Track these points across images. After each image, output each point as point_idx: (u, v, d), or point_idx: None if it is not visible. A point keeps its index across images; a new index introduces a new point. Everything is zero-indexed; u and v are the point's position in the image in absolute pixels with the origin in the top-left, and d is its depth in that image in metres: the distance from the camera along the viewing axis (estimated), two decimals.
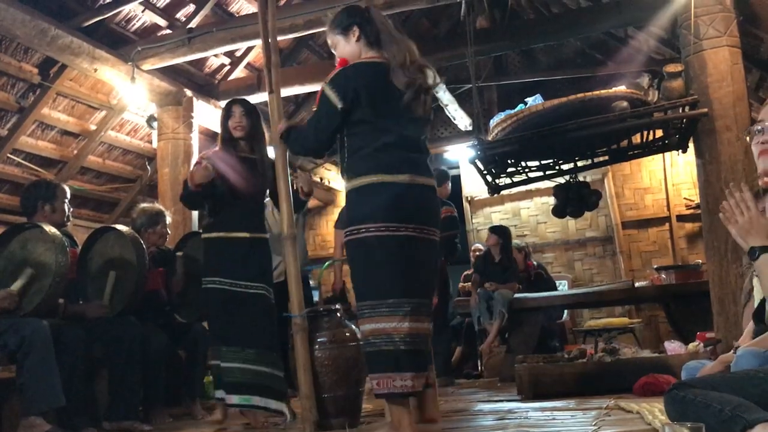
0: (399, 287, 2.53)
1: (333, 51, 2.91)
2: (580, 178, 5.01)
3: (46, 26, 4.57)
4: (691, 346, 4.07)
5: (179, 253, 4.13)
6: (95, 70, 5.13)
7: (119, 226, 4.00)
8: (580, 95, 4.17)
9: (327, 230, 8.98)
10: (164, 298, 4.11)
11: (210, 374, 5.18)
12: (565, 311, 6.84)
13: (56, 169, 5.98)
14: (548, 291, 6.20)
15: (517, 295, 5.71)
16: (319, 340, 3.06)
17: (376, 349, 2.53)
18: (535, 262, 6.83)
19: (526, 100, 4.42)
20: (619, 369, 3.98)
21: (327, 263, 4.62)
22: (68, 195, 3.82)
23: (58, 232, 3.40)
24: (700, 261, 5.77)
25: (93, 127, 6.04)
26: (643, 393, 3.57)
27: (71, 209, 3.83)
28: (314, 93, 7.42)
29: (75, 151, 6.04)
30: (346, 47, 2.82)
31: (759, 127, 1.92)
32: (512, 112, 4.35)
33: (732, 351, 2.69)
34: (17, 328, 3.05)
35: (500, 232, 6.18)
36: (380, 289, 2.54)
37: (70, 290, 3.64)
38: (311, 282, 6.51)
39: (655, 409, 2.73)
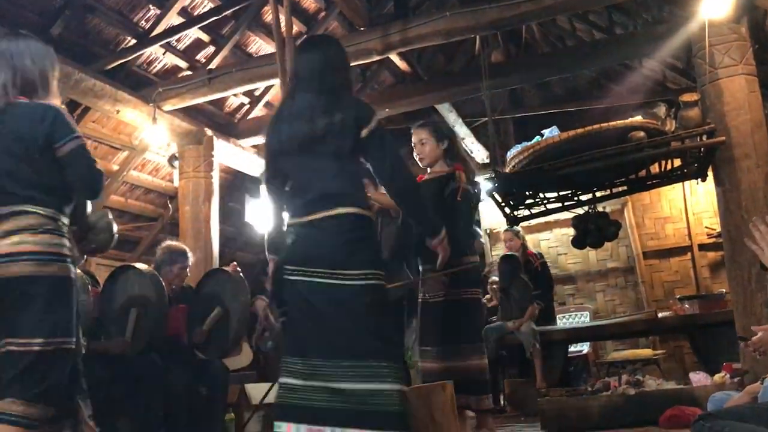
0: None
1: (419, 143, 3.65)
2: (599, 209, 5.00)
3: (70, 70, 4.68)
4: (717, 377, 4.00)
5: (217, 309, 4.01)
6: (117, 112, 5.23)
7: (138, 264, 4.04)
8: (596, 126, 4.18)
9: None
10: (184, 340, 4.12)
11: (231, 411, 5.17)
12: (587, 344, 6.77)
13: None
14: (549, 283, 6.22)
15: (540, 328, 5.66)
16: None
17: None
18: (535, 251, 6.67)
19: (542, 131, 4.44)
20: (643, 401, 3.92)
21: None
22: None
23: (78, 271, 3.43)
24: (724, 290, 5.69)
25: (115, 167, 6.14)
26: (669, 426, 3.51)
27: None
28: None
29: None
30: (434, 150, 3.62)
31: None
32: (529, 144, 4.37)
33: (759, 382, 2.65)
34: None
35: (508, 262, 6.08)
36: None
37: (92, 329, 3.68)
38: None
39: None
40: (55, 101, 2.56)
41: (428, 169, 3.69)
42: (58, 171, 2.43)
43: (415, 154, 3.73)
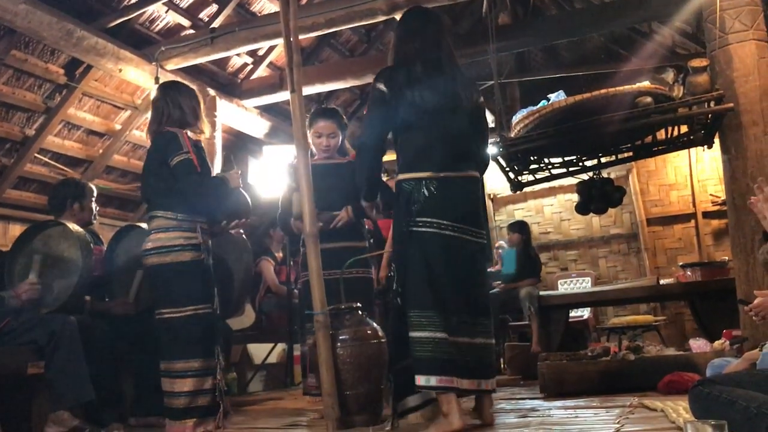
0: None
1: (327, 136, 3.74)
2: (604, 175, 4.97)
3: (72, 28, 4.63)
4: (716, 343, 4.03)
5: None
6: (120, 71, 5.19)
7: (143, 224, 4.05)
8: (603, 91, 4.12)
9: None
10: None
11: (233, 371, 5.22)
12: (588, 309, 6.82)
13: (82, 168, 6.06)
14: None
15: (542, 293, 5.70)
16: (340, 337, 3.07)
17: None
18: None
19: (548, 96, 4.39)
20: (643, 367, 3.95)
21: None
22: (95, 194, 3.89)
23: (81, 230, 3.45)
24: (727, 258, 5.69)
25: (118, 127, 6.11)
26: (668, 391, 3.55)
27: (98, 208, 3.88)
28: (336, 90, 7.48)
29: (100, 151, 6.11)
30: (339, 142, 3.78)
31: None
32: (535, 108, 4.32)
33: (758, 349, 2.66)
34: (46, 323, 3.11)
35: (520, 228, 6.23)
36: None
37: (95, 288, 3.70)
38: None
39: (679, 407, 2.71)
40: (202, 126, 3.42)
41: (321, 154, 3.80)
42: (174, 181, 3.15)
43: (322, 143, 3.76)
